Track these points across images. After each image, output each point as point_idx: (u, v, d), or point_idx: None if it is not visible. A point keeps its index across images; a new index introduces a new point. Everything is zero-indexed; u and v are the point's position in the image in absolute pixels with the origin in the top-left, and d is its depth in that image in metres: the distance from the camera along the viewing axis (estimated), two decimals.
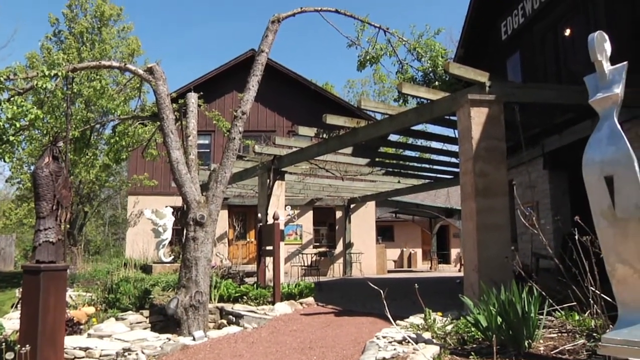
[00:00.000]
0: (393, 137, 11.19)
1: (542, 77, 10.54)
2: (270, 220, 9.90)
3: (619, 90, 3.60)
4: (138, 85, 12.27)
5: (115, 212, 33.81)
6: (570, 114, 8.68)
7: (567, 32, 9.92)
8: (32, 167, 13.14)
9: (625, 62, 3.68)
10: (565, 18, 9.99)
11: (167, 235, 14.08)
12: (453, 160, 11.91)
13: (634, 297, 3.46)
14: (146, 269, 13.04)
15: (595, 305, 4.41)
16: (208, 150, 19.95)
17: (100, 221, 31.98)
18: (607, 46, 3.73)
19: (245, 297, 8.73)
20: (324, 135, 10.28)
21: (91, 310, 7.64)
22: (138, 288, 8.56)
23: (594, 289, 4.35)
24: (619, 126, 3.55)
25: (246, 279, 11.68)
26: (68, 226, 14.18)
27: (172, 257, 14.22)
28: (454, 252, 28.47)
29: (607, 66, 3.71)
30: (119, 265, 12.73)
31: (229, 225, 19.52)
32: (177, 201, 9.32)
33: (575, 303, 4.76)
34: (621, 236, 3.47)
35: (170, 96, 7.59)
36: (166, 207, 14.45)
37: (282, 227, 9.71)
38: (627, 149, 3.43)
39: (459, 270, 21.55)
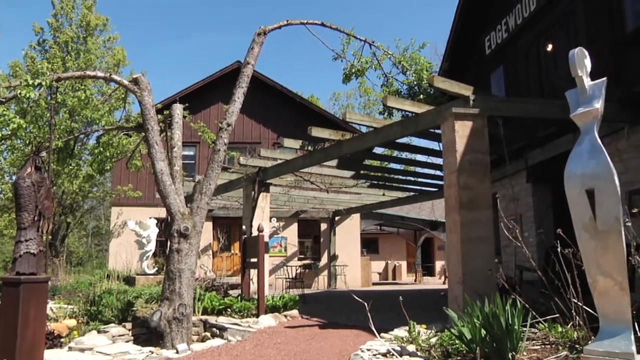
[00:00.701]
0: (378, 150, 11.27)
1: (525, 91, 10.68)
2: (254, 232, 9.87)
3: (599, 105, 3.66)
4: (123, 95, 12.24)
5: (99, 223, 33.50)
6: (553, 128, 8.80)
7: (549, 47, 10.08)
8: (14, 177, 12.99)
9: (604, 78, 3.75)
10: (547, 33, 10.16)
11: (151, 246, 13.97)
12: (437, 173, 11.98)
13: (615, 309, 3.50)
14: (129, 280, 12.91)
15: (577, 317, 4.44)
16: (193, 162, 19.88)
17: (83, 232, 31.68)
18: (587, 62, 3.80)
19: (229, 309, 8.67)
20: (309, 148, 10.30)
21: (72, 322, 7.53)
22: (121, 300, 8.46)
23: (576, 301, 4.39)
24: (599, 140, 3.61)
25: (230, 291, 11.60)
26: (50, 237, 14.01)
27: (156, 269, 14.11)
28: (439, 265, 28.55)
29: (587, 81, 3.77)
30: (102, 277, 12.58)
31: (214, 237, 19.41)
32: (161, 212, 9.26)
33: (558, 315, 4.79)
34: (602, 249, 3.51)
35: (155, 107, 7.56)
36: (150, 218, 14.37)
37: (266, 239, 9.69)
38: (607, 163, 3.49)
39: (444, 283, 21.61)
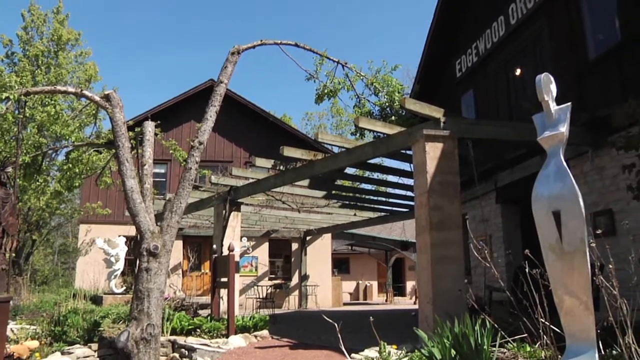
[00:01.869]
0: (350, 170, 11.29)
1: (494, 114, 10.90)
2: (225, 252, 9.77)
3: (564, 129, 3.76)
4: (94, 111, 12.04)
5: (66, 241, 32.75)
6: (522, 150, 8.98)
7: (518, 71, 10.34)
8: None
9: (569, 103, 3.86)
10: (515, 58, 10.43)
11: (120, 265, 13.74)
12: (408, 193, 12.08)
13: (580, 328, 3.56)
14: (96, 300, 12.64)
15: (545, 337, 4.50)
16: (164, 180, 19.69)
17: (50, 250, 30.91)
18: (553, 87, 3.91)
19: (198, 329, 8.54)
20: (281, 167, 10.30)
21: (34, 344, 7.30)
22: (87, 320, 8.27)
23: (544, 321, 4.44)
24: (565, 163, 3.70)
25: (200, 311, 11.44)
26: (14, 255, 13.63)
27: (124, 288, 13.86)
28: (410, 285, 28.64)
29: (553, 106, 3.87)
30: (68, 296, 12.29)
31: (184, 256, 19.16)
32: (131, 231, 9.10)
33: (526, 335, 4.84)
34: (568, 269, 3.58)
35: (126, 124, 7.48)
36: (119, 236, 14.15)
37: (237, 258, 9.60)
38: (572, 185, 3.57)
39: (415, 303, 21.66)
